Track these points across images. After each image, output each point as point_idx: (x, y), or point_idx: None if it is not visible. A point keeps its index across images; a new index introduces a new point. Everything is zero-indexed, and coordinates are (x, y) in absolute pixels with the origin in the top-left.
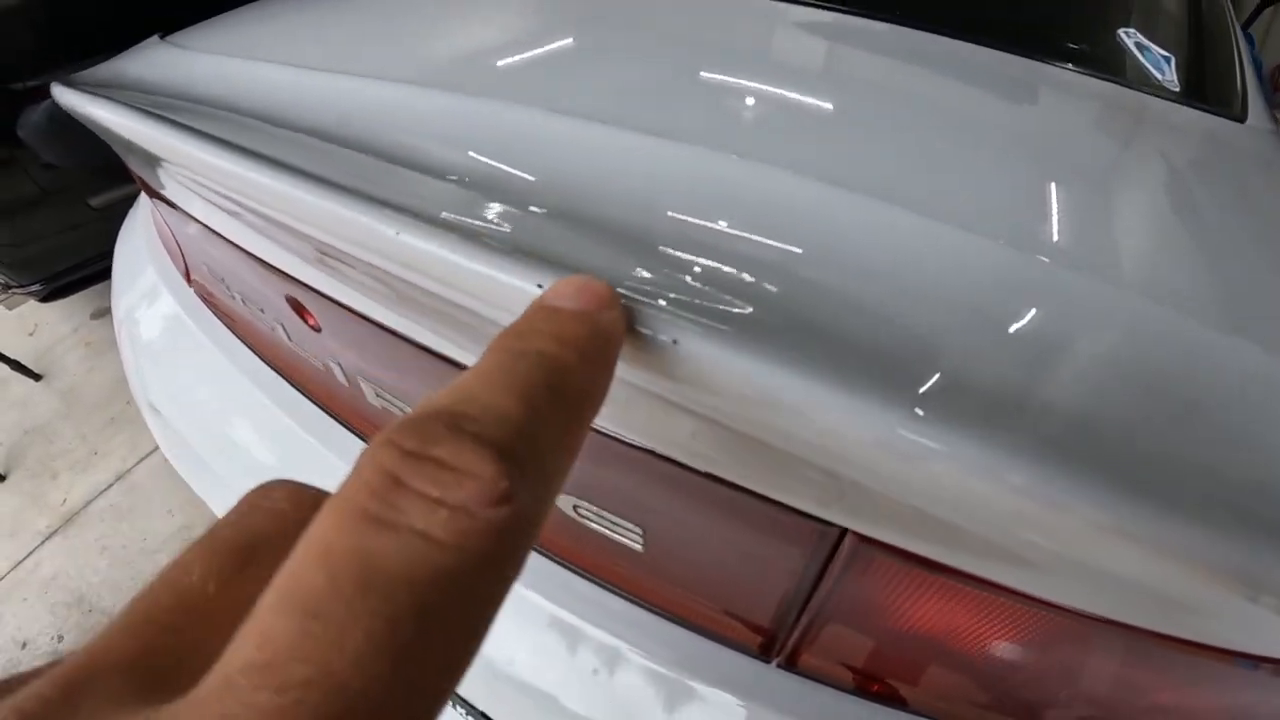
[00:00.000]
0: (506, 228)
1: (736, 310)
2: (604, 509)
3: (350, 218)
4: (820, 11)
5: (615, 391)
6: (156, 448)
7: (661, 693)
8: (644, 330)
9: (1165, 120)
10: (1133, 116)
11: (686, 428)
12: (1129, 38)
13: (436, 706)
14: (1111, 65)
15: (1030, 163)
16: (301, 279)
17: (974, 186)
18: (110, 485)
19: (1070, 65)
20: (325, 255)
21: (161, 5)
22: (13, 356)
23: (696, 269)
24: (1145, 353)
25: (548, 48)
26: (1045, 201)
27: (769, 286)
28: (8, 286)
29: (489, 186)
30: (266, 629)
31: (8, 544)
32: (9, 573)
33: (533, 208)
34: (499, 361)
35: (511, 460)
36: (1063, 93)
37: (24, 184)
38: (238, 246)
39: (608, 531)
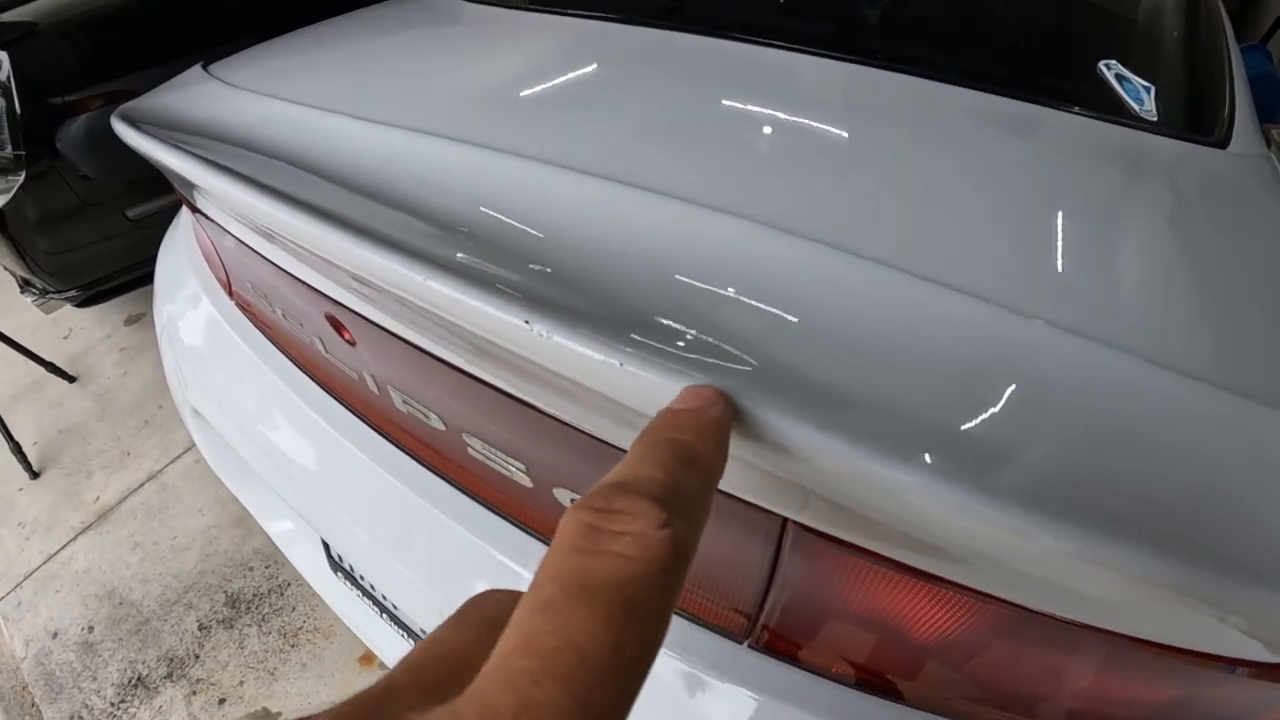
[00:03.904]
0: (512, 275)
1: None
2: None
3: (386, 265)
4: (784, 53)
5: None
6: (187, 450)
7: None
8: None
9: (1137, 152)
10: (1101, 150)
11: None
12: (1108, 69)
13: (644, 668)
14: (1083, 98)
15: (990, 203)
16: (339, 300)
17: (925, 236)
18: (142, 484)
19: (1041, 101)
20: (357, 283)
21: (192, 27)
22: (48, 359)
23: (703, 319)
24: (1091, 391)
25: (568, 104)
26: (1001, 248)
27: (760, 335)
28: (45, 292)
29: (498, 238)
30: (522, 624)
31: (42, 538)
32: (43, 565)
33: (534, 263)
34: (643, 450)
35: (663, 503)
36: (1029, 130)
37: (63, 194)
38: (283, 270)
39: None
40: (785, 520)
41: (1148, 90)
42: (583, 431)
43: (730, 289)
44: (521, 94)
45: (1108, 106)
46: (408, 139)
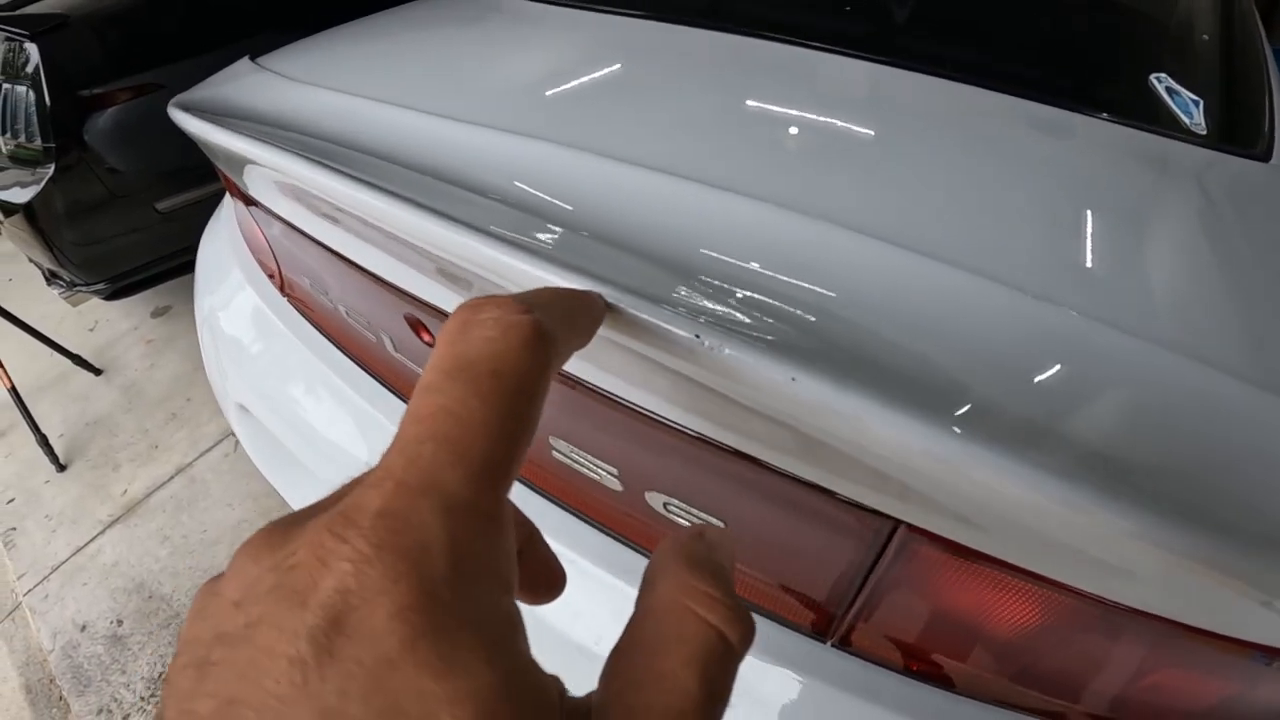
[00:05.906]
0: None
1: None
2: (688, 504)
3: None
4: (843, 60)
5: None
6: (217, 443)
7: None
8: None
9: (1180, 163)
10: (1146, 160)
11: (761, 428)
12: (1159, 82)
13: (517, 435)
14: (1131, 108)
15: (1044, 212)
16: (423, 298)
17: (988, 236)
18: (171, 478)
19: (1089, 111)
20: (446, 274)
21: (220, 20)
22: (75, 351)
23: (782, 308)
24: (1145, 386)
25: (606, 94)
26: (1054, 250)
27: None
28: (72, 284)
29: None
30: (410, 405)
31: (69, 531)
32: (70, 558)
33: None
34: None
35: (526, 300)
36: (1076, 138)
37: (92, 187)
38: (356, 266)
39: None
40: (897, 523)
41: (1196, 104)
42: (690, 433)
43: (861, 303)
44: (592, 93)
45: (1161, 120)
46: (503, 140)
